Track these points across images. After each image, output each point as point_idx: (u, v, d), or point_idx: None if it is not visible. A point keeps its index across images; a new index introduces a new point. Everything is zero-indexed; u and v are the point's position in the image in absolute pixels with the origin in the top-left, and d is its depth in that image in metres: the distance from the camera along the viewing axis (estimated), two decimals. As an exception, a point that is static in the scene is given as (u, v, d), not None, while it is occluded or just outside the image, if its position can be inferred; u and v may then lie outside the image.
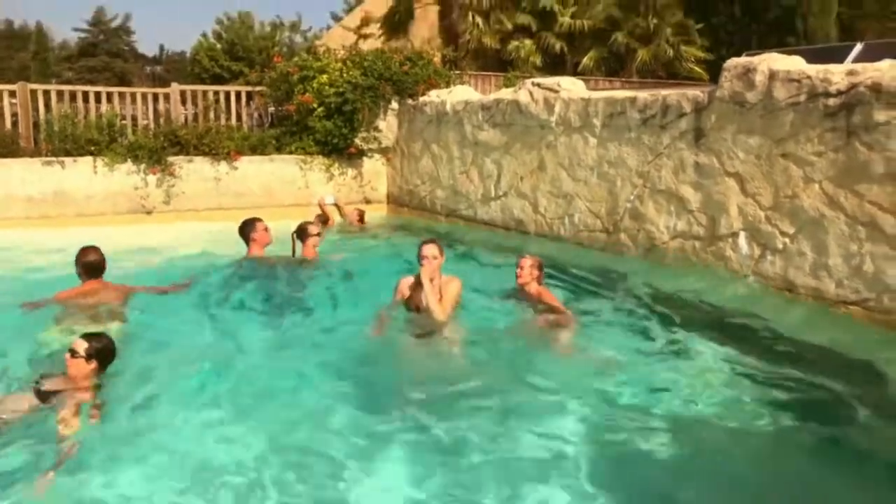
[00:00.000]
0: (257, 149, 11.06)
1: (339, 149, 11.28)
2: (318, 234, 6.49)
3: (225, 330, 4.89)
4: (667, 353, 4.70)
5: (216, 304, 5.41)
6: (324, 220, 10.19)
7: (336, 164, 11.39)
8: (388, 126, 11.56)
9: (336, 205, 10.54)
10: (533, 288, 5.58)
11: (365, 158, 11.62)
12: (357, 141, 11.38)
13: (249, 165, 10.89)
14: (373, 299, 5.39)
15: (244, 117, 11.65)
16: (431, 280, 5.04)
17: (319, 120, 11.07)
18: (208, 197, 10.65)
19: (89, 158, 10.02)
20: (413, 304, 5.11)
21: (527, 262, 5.61)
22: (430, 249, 5.13)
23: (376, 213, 11.16)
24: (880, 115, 5.04)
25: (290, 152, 11.22)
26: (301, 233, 6.56)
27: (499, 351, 4.78)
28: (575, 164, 7.86)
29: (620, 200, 7.27)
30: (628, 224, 7.18)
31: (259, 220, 6.37)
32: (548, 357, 4.73)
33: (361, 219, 10.35)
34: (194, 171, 10.57)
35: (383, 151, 11.70)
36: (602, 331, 5.22)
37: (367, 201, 11.60)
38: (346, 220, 10.12)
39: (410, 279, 5.24)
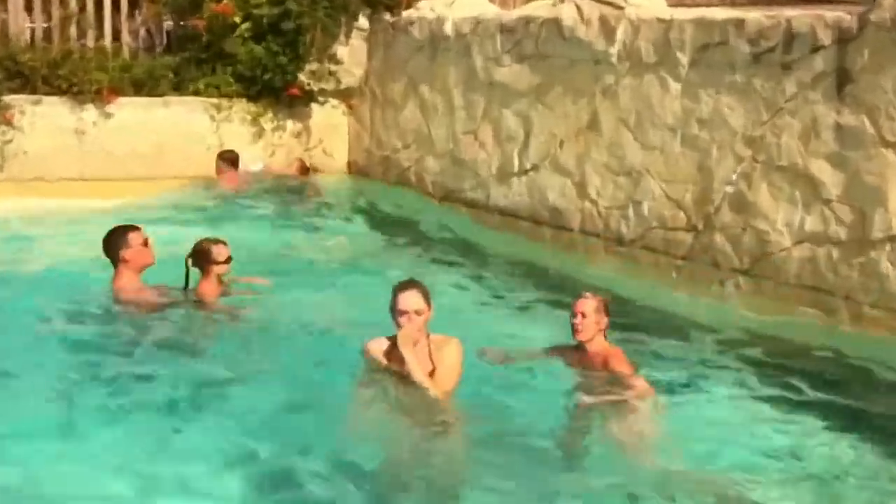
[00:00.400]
0: (145, 86, 11.05)
1: (275, 89, 11.29)
2: (228, 261, 6.38)
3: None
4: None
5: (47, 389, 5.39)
6: (304, 169, 10.97)
7: (269, 114, 11.41)
8: (351, 55, 11.56)
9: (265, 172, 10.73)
10: (597, 345, 5.59)
11: (315, 106, 11.63)
12: (303, 78, 11.39)
13: (132, 112, 10.89)
14: (322, 371, 5.53)
15: (125, 35, 11.67)
16: (415, 343, 5.05)
17: (244, 42, 11.09)
18: (65, 160, 10.62)
19: None
20: (394, 370, 5.14)
21: (589, 304, 5.55)
22: (411, 299, 5.06)
23: (331, 190, 11.20)
24: None
25: (197, 92, 11.24)
26: (200, 257, 6.40)
27: (530, 451, 4.81)
28: (646, 123, 7.83)
29: (716, 181, 7.25)
30: (727, 219, 7.17)
31: (135, 229, 6.37)
32: (615, 464, 4.79)
33: (304, 169, 10.85)
34: (44, 119, 10.56)
35: (344, 95, 11.70)
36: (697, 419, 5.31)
37: (316, 170, 11.60)
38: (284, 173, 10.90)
39: (383, 343, 5.23)
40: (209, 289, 6.42)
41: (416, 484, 4.49)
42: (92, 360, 5.60)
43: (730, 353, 6.24)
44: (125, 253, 6.25)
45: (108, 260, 6.41)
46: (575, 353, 5.66)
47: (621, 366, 5.50)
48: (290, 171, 10.99)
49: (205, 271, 6.39)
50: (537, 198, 8.96)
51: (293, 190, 10.82)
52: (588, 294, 5.68)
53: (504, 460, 4.69)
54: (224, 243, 6.45)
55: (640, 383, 5.44)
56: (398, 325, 5.07)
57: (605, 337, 5.65)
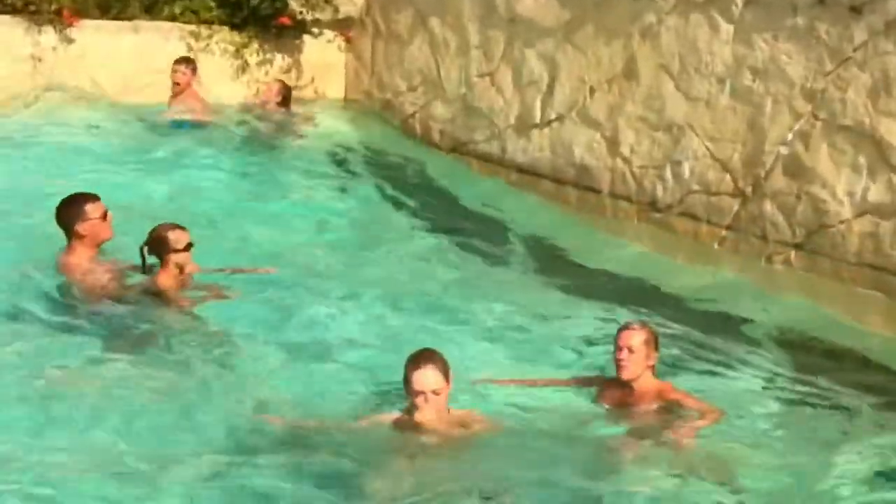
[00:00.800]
0: (112, 8, 11.02)
1: (262, 17, 11.25)
2: (188, 248, 6.37)
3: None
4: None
5: None
6: (284, 94, 10.70)
7: (254, 45, 11.36)
8: (352, -20, 11.55)
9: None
10: (645, 384, 5.45)
11: (307, 38, 11.59)
12: (294, 5, 11.33)
13: (96, 36, 10.85)
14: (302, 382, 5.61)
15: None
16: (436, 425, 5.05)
17: (226, -39, 11.09)
18: (19, 90, 10.56)
19: None
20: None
21: (636, 336, 5.42)
22: (427, 377, 4.97)
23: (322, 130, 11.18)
24: None
25: (172, 17, 11.19)
26: (157, 245, 6.38)
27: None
28: (691, 71, 7.82)
29: (769, 141, 7.25)
30: (780, 184, 7.18)
31: (93, 199, 6.37)
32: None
33: (284, 99, 10.66)
34: (-5, 43, 10.57)
35: (341, 26, 11.64)
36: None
37: (313, 99, 11.58)
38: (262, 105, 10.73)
39: (394, 417, 5.17)
40: (168, 280, 6.40)
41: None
42: (22, 351, 5.67)
43: (776, 343, 6.25)
44: (81, 227, 6.26)
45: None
46: (615, 391, 5.53)
47: (676, 395, 5.43)
48: (268, 96, 10.75)
49: (163, 261, 6.40)
50: (561, 154, 8.93)
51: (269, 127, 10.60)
52: (635, 324, 5.55)
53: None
54: (183, 229, 6.44)
55: (706, 407, 5.38)
56: (414, 404, 5.02)
57: (654, 373, 5.52)
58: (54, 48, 10.72)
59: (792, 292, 7.01)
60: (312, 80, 11.61)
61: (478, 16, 9.88)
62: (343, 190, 9.47)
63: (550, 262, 8.01)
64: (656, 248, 7.98)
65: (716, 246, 7.59)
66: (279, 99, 10.68)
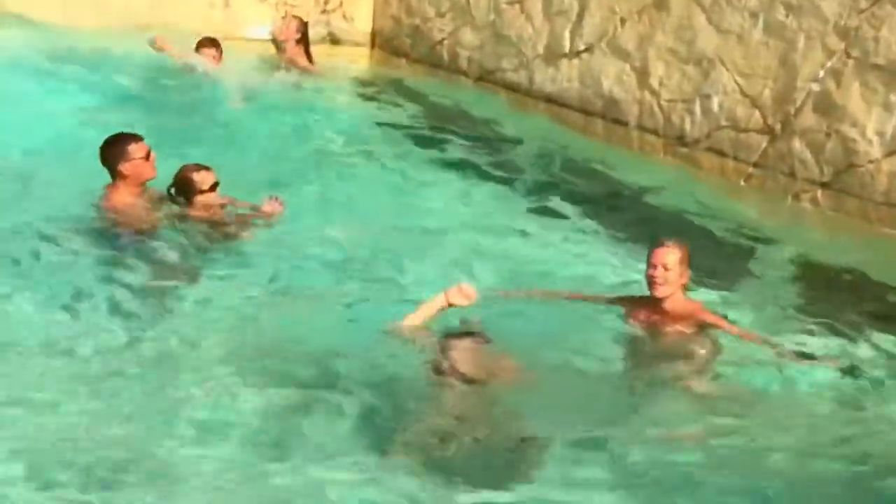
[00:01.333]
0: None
1: (291, -62, 11.19)
2: (214, 188, 6.38)
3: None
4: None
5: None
6: (301, 32, 10.09)
7: (282, -34, 11.31)
8: None
9: (274, 41, 10.55)
10: (676, 303, 5.38)
11: (338, -40, 11.51)
12: (324, -74, 11.27)
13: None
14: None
15: None
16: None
17: None
18: (48, 4, 10.48)
19: None
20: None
21: (671, 254, 5.33)
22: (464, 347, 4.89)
23: (349, 66, 11.10)
24: None
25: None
26: (183, 187, 6.39)
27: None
28: (723, 3, 7.78)
29: (800, 78, 7.23)
30: (809, 122, 7.17)
31: (136, 139, 6.38)
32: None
33: (303, 36, 10.05)
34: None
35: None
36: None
37: (335, 40, 11.50)
38: (283, 59, 10.09)
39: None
40: (198, 213, 6.44)
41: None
42: (73, 289, 5.68)
43: (798, 283, 6.25)
44: (124, 166, 6.26)
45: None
46: (647, 309, 5.48)
47: (722, 323, 5.39)
48: (287, 34, 10.12)
49: (190, 202, 6.44)
50: (590, 85, 8.91)
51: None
52: (670, 242, 5.44)
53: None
54: (208, 169, 6.46)
55: (743, 332, 5.36)
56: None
57: (686, 289, 5.48)
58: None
59: (818, 230, 7.01)
60: (340, 4, 11.53)
61: (510, -59, 9.82)
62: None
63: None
64: (682, 181, 7.95)
65: (742, 182, 7.59)
66: (297, 36, 10.18)
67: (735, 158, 7.68)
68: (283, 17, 11.24)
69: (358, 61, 11.46)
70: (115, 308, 5.50)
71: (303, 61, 10.05)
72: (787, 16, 7.32)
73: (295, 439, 4.35)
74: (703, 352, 5.31)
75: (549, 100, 9.31)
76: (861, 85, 6.87)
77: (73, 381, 4.69)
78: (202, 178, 6.40)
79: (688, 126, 8.05)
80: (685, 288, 5.46)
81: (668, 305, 5.38)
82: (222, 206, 6.59)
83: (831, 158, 7.04)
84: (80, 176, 6.73)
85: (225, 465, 4.13)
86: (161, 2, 10.85)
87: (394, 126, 9.22)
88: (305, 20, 10.44)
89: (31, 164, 7.29)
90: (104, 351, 5.06)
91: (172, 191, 6.44)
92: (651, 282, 5.36)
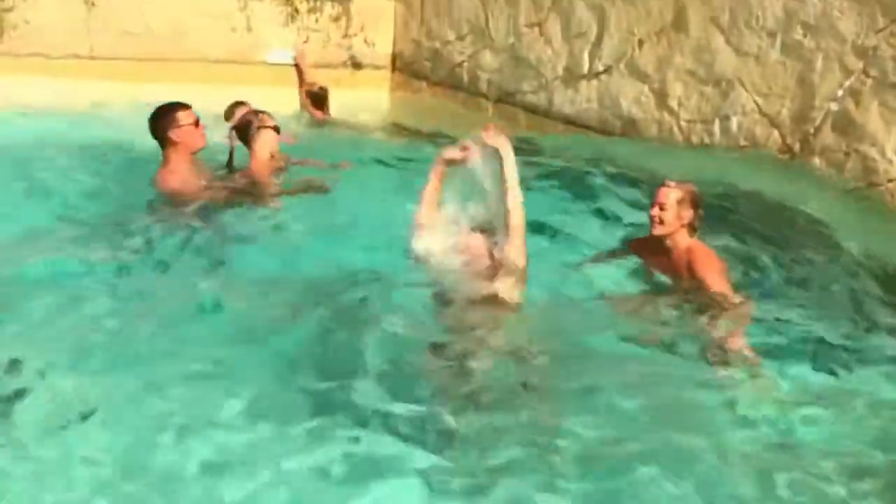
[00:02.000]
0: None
1: (312, -36, 11.32)
2: (275, 127, 6.53)
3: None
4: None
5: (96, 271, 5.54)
6: (318, 99, 9.59)
7: (305, -7, 11.44)
8: (403, -72, 11.53)
9: (296, 66, 10.61)
10: (680, 240, 5.52)
11: (358, -15, 11.63)
12: (345, -48, 11.39)
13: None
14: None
15: None
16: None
17: None
18: (72, 34, 10.73)
19: None
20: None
21: (672, 194, 5.49)
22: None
23: (369, 93, 11.19)
24: None
25: (223, -36, 11.29)
26: (243, 128, 6.56)
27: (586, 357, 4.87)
28: (741, 24, 7.80)
29: (819, 97, 7.23)
30: (829, 140, 7.16)
31: (185, 107, 6.42)
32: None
33: (320, 102, 9.63)
34: (48, -13, 10.67)
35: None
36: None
37: (356, 64, 11.61)
38: (301, 101, 9.78)
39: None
40: (261, 167, 6.52)
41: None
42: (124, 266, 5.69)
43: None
44: (174, 133, 6.28)
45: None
46: (655, 250, 5.62)
47: (708, 268, 5.39)
48: (305, 99, 9.67)
49: (251, 142, 6.53)
50: (609, 106, 8.96)
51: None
52: (672, 182, 5.59)
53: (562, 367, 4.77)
54: (269, 114, 6.62)
55: (736, 297, 5.31)
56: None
57: (693, 233, 5.55)
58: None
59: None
60: (362, 28, 11.65)
61: (528, -35, 9.89)
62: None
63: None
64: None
65: (762, 202, 7.58)
66: (312, 101, 9.60)
67: (758, 173, 7.59)
68: (305, 41, 11.36)
69: (379, 85, 11.56)
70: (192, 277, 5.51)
71: (318, 114, 9.63)
72: (804, 36, 7.33)
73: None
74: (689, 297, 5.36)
75: (569, 121, 9.35)
76: (880, 104, 6.84)
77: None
78: (264, 118, 6.57)
79: (710, 144, 8.06)
80: (692, 229, 5.55)
81: (673, 245, 5.54)
82: (281, 166, 6.69)
83: (851, 178, 7.01)
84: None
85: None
86: (182, 30, 10.99)
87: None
88: (324, 87, 9.81)
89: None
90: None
91: (234, 134, 6.57)
92: (650, 221, 5.56)
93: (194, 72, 10.43)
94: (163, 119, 6.32)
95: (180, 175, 6.34)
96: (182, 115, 6.31)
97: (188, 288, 5.36)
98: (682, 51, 8.30)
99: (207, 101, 8.03)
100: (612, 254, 6.04)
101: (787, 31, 7.45)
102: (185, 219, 6.13)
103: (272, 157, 6.59)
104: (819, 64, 7.24)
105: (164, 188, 6.35)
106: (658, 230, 5.53)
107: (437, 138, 8.86)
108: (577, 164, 7.73)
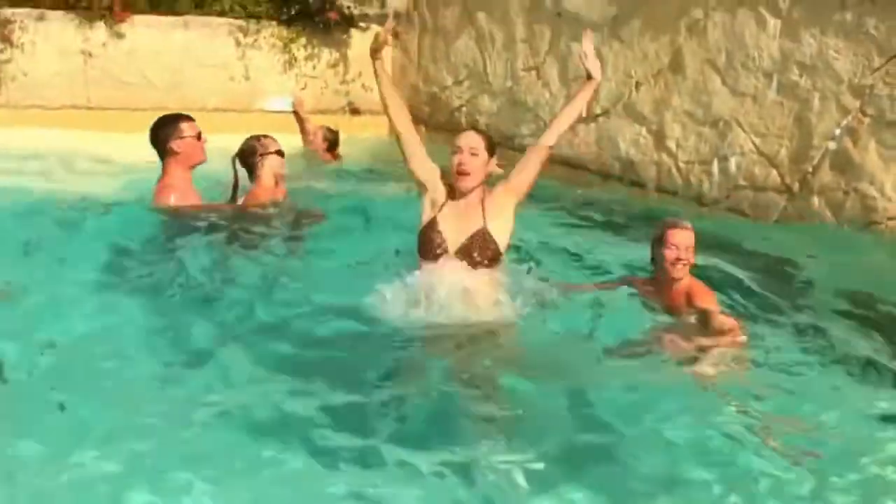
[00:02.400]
0: (161, 3, 11.19)
1: (310, 12, 11.38)
2: (280, 153, 6.48)
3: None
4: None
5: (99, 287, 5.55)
6: (331, 143, 9.74)
7: (302, 40, 11.51)
8: (399, -25, 11.62)
9: (295, 113, 10.65)
10: (685, 282, 5.44)
11: (355, 32, 11.70)
12: (343, 0, 11.44)
13: (146, 33, 11.03)
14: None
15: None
16: (462, 192, 5.25)
17: (277, -43, 11.21)
18: (70, 85, 10.81)
19: None
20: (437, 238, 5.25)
21: (690, 235, 5.39)
22: (466, 137, 5.30)
23: (367, 136, 11.19)
24: None
25: (221, 13, 11.36)
26: (248, 152, 6.53)
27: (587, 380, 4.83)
28: (738, 65, 7.83)
29: (817, 136, 7.24)
30: (827, 179, 7.17)
31: (186, 118, 6.40)
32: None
33: (332, 146, 9.79)
34: (47, 38, 10.72)
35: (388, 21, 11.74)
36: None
37: (354, 110, 11.65)
38: (308, 142, 9.93)
39: (437, 179, 5.37)
40: (261, 192, 6.43)
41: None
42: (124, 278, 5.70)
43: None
44: (176, 143, 6.21)
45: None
46: (654, 289, 5.53)
47: (705, 299, 5.36)
48: (317, 140, 9.77)
49: (254, 168, 6.45)
50: (607, 147, 8.98)
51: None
52: (687, 222, 5.49)
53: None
54: (272, 138, 6.55)
55: (733, 324, 5.28)
56: (456, 171, 5.24)
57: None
58: (104, 44, 10.90)
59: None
60: (360, 74, 11.69)
61: (524, 10, 9.95)
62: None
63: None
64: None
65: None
66: (325, 146, 9.79)
67: (755, 218, 7.66)
68: (303, 88, 11.42)
69: (377, 131, 11.56)
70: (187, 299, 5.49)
71: (327, 157, 9.77)
72: (800, 76, 7.35)
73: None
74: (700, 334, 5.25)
75: (568, 163, 9.35)
76: (878, 143, 6.86)
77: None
78: (267, 142, 6.47)
79: (706, 187, 8.07)
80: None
81: (678, 284, 5.41)
82: (283, 194, 6.57)
83: (850, 216, 7.01)
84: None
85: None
86: (180, 80, 11.05)
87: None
88: (336, 129, 10.00)
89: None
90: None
91: (237, 160, 6.44)
92: (675, 265, 5.34)
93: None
94: (166, 128, 6.26)
95: (178, 189, 6.25)
96: (185, 126, 6.26)
97: (180, 319, 5.31)
98: (680, 92, 8.33)
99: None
100: (608, 283, 5.91)
101: (784, 72, 7.48)
102: (182, 245, 6.01)
103: (277, 183, 6.50)
104: (816, 103, 7.26)
105: (161, 203, 6.25)
106: (681, 273, 5.38)
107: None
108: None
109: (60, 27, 10.79)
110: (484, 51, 10.49)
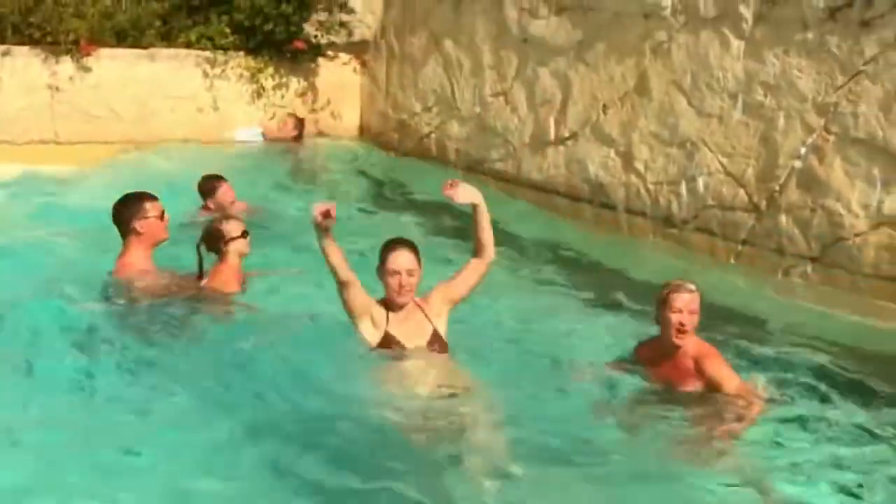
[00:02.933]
0: (128, 36, 11.16)
1: (277, 42, 11.39)
2: (244, 236, 6.41)
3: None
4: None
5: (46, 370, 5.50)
6: (298, 128, 11.22)
7: (269, 70, 11.52)
8: (365, 4, 11.63)
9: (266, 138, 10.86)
10: (691, 345, 5.29)
11: (322, 61, 11.75)
12: (309, 29, 11.49)
13: (112, 65, 11.01)
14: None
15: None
16: (401, 306, 5.43)
17: (242, -12, 11.22)
18: (37, 120, 10.76)
19: None
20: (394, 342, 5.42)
21: (696, 299, 5.26)
22: (402, 259, 5.42)
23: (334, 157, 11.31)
24: None
25: (188, 44, 11.35)
26: (213, 238, 6.38)
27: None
28: (703, 87, 7.88)
29: (783, 155, 7.29)
30: (794, 197, 7.22)
31: (151, 197, 6.37)
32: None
33: (299, 133, 11.15)
34: (13, 73, 10.68)
35: (356, 50, 11.78)
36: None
37: (323, 136, 11.67)
38: (279, 130, 11.16)
39: (373, 304, 5.47)
40: (228, 275, 6.40)
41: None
42: (79, 351, 5.65)
43: (794, 356, 6.25)
44: (139, 223, 6.20)
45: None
46: (660, 357, 5.39)
47: (718, 367, 5.24)
48: (285, 132, 11.14)
49: (221, 253, 6.39)
50: (576, 171, 9.02)
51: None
52: (691, 285, 5.34)
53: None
54: (237, 219, 6.55)
55: (752, 391, 5.22)
56: (386, 284, 5.42)
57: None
58: (71, 78, 10.87)
59: (810, 305, 6.99)
60: (328, 102, 11.74)
61: (491, 36, 10.00)
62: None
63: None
64: (673, 263, 7.97)
65: (732, 261, 7.62)
66: (295, 133, 11.04)
67: (724, 237, 7.71)
68: (272, 118, 11.45)
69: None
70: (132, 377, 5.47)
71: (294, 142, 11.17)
72: (765, 96, 7.41)
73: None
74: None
75: (537, 187, 9.41)
76: (843, 160, 6.92)
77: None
78: (231, 227, 6.42)
79: (675, 207, 8.11)
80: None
81: (687, 349, 5.30)
82: (246, 277, 6.57)
83: (818, 233, 7.06)
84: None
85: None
86: (148, 112, 11.04)
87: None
88: (302, 117, 11.20)
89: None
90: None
91: (202, 246, 6.39)
92: (676, 329, 5.25)
93: (161, 152, 10.48)
94: (129, 208, 6.26)
95: (139, 267, 6.26)
96: (149, 206, 6.26)
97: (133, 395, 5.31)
98: (646, 114, 8.38)
99: (174, 182, 8.16)
100: (618, 364, 5.71)
101: (748, 92, 7.54)
102: (139, 315, 6.03)
103: (236, 269, 6.47)
104: (781, 122, 7.32)
105: (122, 277, 6.25)
106: (685, 339, 5.27)
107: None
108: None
109: (26, 62, 10.74)
110: (452, 77, 10.54)
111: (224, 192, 8.18)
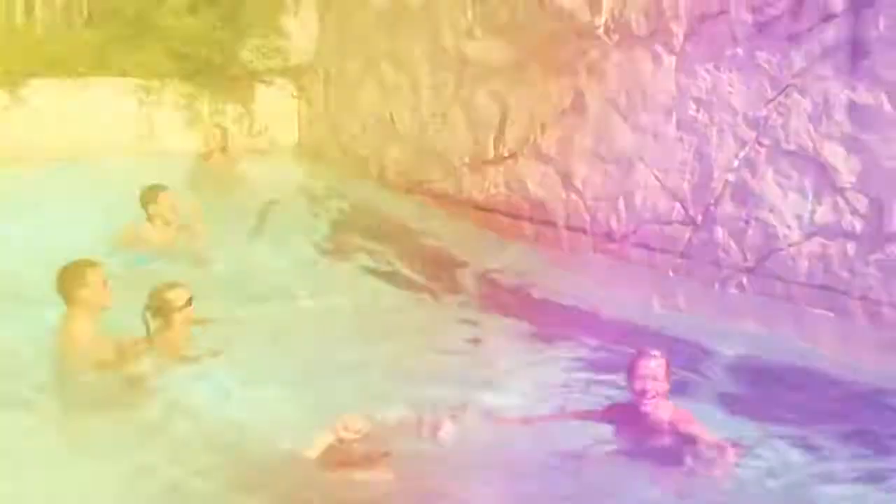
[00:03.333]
0: (62, 65, 11.10)
1: (213, 68, 11.39)
2: (190, 303, 6.32)
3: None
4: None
5: None
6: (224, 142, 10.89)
7: (205, 96, 11.50)
8: (301, 28, 11.64)
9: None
10: (663, 410, 5.30)
11: (260, 86, 11.74)
12: (246, 54, 11.49)
13: (46, 94, 10.95)
14: None
15: (39, 7, 11.66)
16: None
17: (177, 15, 11.17)
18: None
19: None
20: None
21: (661, 364, 5.30)
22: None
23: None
24: None
25: (123, 73, 11.30)
26: (160, 307, 6.31)
27: None
28: (637, 104, 7.95)
29: (717, 169, 7.38)
30: (729, 210, 7.29)
31: (93, 265, 6.39)
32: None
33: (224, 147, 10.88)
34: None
35: (293, 74, 11.78)
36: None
37: (262, 158, 11.63)
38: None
39: None
40: (175, 338, 6.34)
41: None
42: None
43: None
44: (82, 292, 6.23)
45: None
46: (627, 421, 5.41)
47: (695, 427, 5.25)
48: (215, 144, 10.91)
49: (167, 321, 6.33)
50: (516, 189, 9.06)
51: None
52: (655, 351, 5.38)
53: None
54: (181, 285, 6.46)
55: (726, 447, 5.21)
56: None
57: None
58: (5, 108, 10.77)
59: (746, 316, 7.11)
60: (266, 127, 11.72)
61: (427, 57, 10.04)
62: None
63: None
64: (613, 278, 8.06)
65: (671, 274, 7.68)
66: (223, 145, 10.91)
67: (662, 251, 7.76)
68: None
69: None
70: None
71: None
72: (698, 111, 7.49)
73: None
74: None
75: (478, 206, 9.44)
76: (775, 171, 7.00)
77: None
78: (178, 295, 6.34)
79: (614, 223, 8.15)
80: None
81: (654, 414, 5.31)
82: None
83: (753, 244, 7.13)
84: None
85: None
86: (82, 141, 10.88)
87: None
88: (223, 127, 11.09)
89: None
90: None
91: (149, 314, 6.30)
92: (642, 395, 5.27)
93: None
94: (71, 277, 6.27)
95: (83, 336, 6.23)
96: (91, 274, 6.28)
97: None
98: (584, 132, 8.42)
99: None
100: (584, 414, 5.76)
101: (681, 108, 7.61)
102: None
103: (183, 338, 6.44)
104: (714, 137, 7.40)
105: (66, 345, 6.24)
106: (652, 407, 5.27)
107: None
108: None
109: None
110: (389, 99, 10.57)
111: (166, 199, 8.38)
